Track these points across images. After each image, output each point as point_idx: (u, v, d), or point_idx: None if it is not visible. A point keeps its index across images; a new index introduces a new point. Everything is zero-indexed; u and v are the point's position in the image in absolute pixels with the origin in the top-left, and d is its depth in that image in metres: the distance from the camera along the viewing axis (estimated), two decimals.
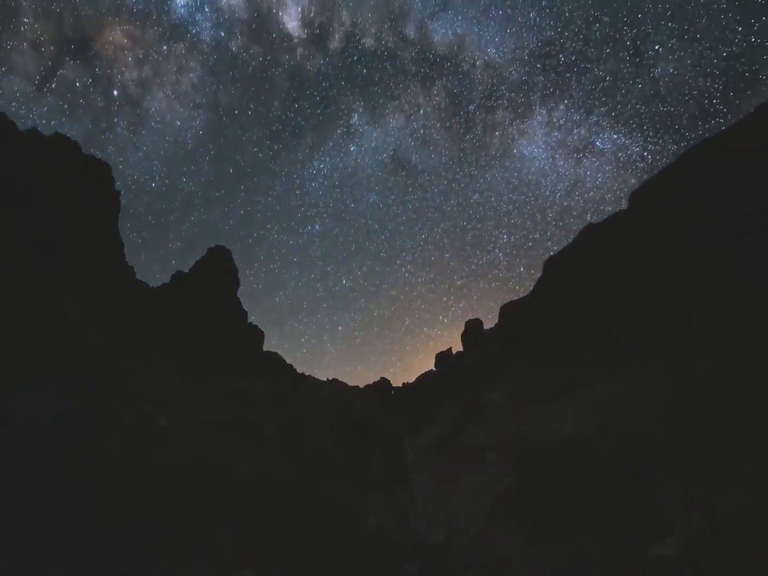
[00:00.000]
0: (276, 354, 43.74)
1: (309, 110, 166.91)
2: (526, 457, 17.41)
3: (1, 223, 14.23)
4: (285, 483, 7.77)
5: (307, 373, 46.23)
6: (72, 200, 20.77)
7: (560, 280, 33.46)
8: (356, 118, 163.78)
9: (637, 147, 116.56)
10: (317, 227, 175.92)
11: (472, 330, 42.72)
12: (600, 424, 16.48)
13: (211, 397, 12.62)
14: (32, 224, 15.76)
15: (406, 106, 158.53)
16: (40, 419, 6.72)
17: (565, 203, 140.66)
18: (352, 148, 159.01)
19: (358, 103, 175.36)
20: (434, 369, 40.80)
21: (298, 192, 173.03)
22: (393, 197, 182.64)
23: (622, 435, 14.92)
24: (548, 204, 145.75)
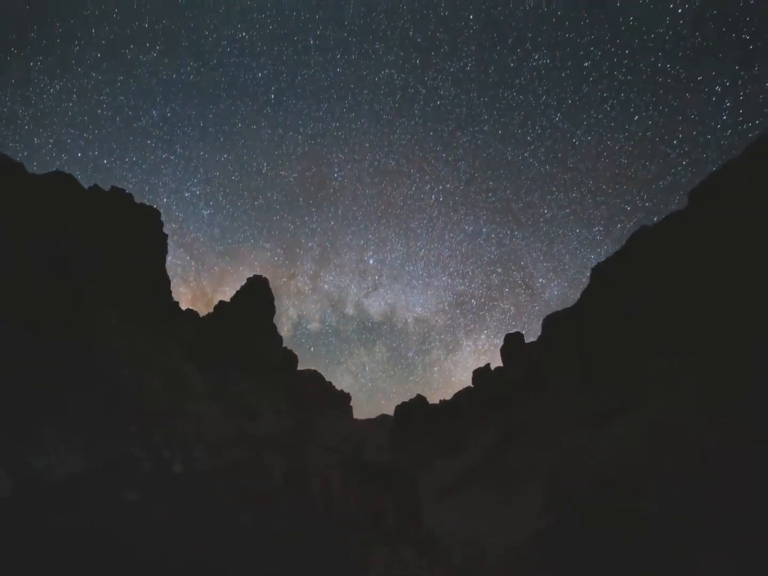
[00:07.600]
0: (315, 372, 45.13)
1: None
2: (562, 494, 16.17)
3: (54, 270, 16.28)
4: (285, 536, 7.99)
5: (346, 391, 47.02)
6: (124, 242, 23.43)
7: (610, 289, 30.93)
8: None
9: None
10: None
11: (513, 344, 40.82)
12: (645, 460, 14.83)
13: (233, 435, 13.41)
14: (84, 269, 17.85)
15: (353, 367, 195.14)
16: (66, 477, 7.60)
17: None
18: None
19: None
20: (471, 386, 39.51)
21: None
22: None
23: (669, 475, 13.30)
24: None
